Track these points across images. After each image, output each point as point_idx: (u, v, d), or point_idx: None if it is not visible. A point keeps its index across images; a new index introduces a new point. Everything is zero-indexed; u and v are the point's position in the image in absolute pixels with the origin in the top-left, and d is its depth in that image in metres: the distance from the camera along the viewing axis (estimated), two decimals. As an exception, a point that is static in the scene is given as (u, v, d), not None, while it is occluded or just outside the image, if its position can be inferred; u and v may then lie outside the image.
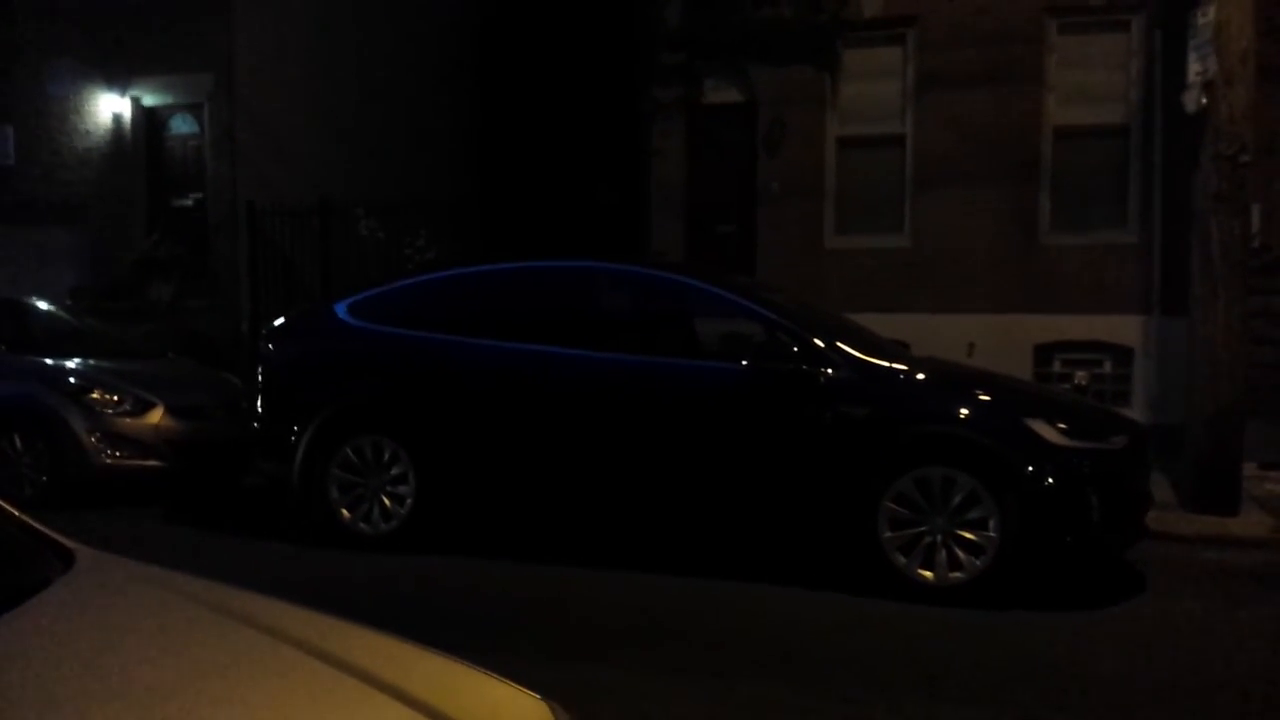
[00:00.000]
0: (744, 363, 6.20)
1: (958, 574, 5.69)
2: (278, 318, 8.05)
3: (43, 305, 10.01)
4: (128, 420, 8.20)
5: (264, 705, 1.90)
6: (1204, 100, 7.58)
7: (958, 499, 5.69)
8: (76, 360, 8.64)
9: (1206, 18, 7.53)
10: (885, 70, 11.84)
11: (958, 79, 11.34)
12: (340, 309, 7.24)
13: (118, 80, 13.52)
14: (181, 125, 13.76)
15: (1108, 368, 11.21)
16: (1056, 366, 11.28)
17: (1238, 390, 7.64)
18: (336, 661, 2.05)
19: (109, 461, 8.10)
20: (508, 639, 4.95)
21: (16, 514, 2.50)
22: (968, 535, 5.68)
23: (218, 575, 2.51)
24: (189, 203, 13.68)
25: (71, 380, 8.31)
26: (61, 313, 10.30)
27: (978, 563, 5.66)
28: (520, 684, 2.25)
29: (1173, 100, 8.62)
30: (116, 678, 1.91)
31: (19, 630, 2.01)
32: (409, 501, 6.74)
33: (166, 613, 2.25)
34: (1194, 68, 7.70)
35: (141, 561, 2.54)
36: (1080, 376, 10.97)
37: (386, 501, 6.80)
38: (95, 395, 8.20)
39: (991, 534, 5.63)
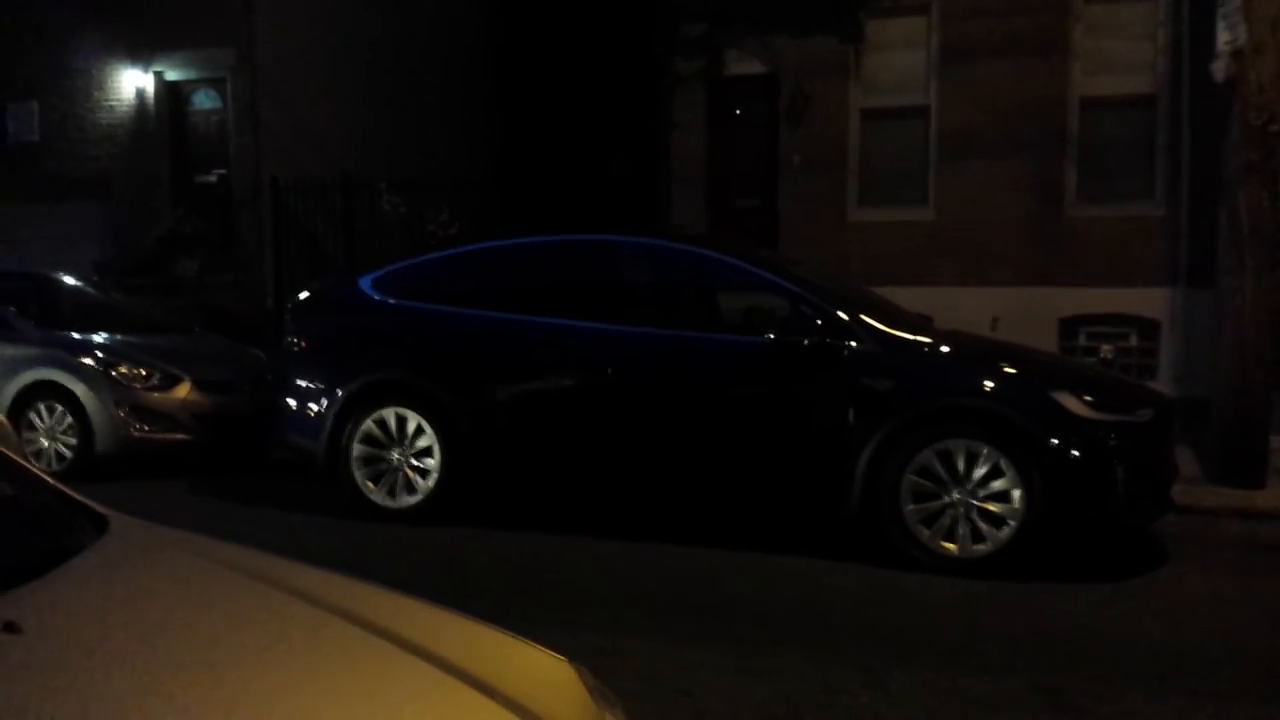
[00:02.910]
0: (769, 336, 6.19)
1: (981, 546, 5.69)
2: (302, 292, 8.09)
3: (69, 280, 10.10)
4: (155, 394, 8.29)
5: (295, 664, 1.93)
6: (1233, 70, 7.49)
7: (981, 471, 5.68)
8: (104, 335, 8.73)
9: (1236, -15, 7.43)
10: (909, 40, 11.75)
11: (982, 49, 11.23)
12: (365, 283, 7.27)
13: (141, 55, 13.56)
14: (204, 100, 13.79)
15: (1134, 341, 11.13)
16: (1082, 340, 11.22)
17: (1265, 363, 7.58)
18: (366, 623, 2.09)
19: (136, 435, 8.20)
20: (531, 607, 4.98)
21: (51, 481, 2.54)
22: (991, 508, 5.67)
23: (246, 545, 2.54)
24: (213, 178, 13.74)
25: (99, 355, 8.39)
26: (88, 288, 10.39)
27: (1001, 535, 5.65)
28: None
29: (1201, 70, 8.52)
30: (152, 636, 1.95)
31: (58, 592, 2.05)
32: (434, 474, 6.79)
33: (199, 575, 2.28)
34: (1223, 37, 7.60)
35: (173, 527, 2.58)
36: (1106, 349, 10.92)
37: (412, 475, 6.85)
38: (123, 369, 8.29)
39: (1015, 506, 5.62)
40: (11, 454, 2.68)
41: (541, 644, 2.31)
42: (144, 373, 8.31)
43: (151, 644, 1.92)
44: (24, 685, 1.71)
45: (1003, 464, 5.64)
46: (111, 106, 13.81)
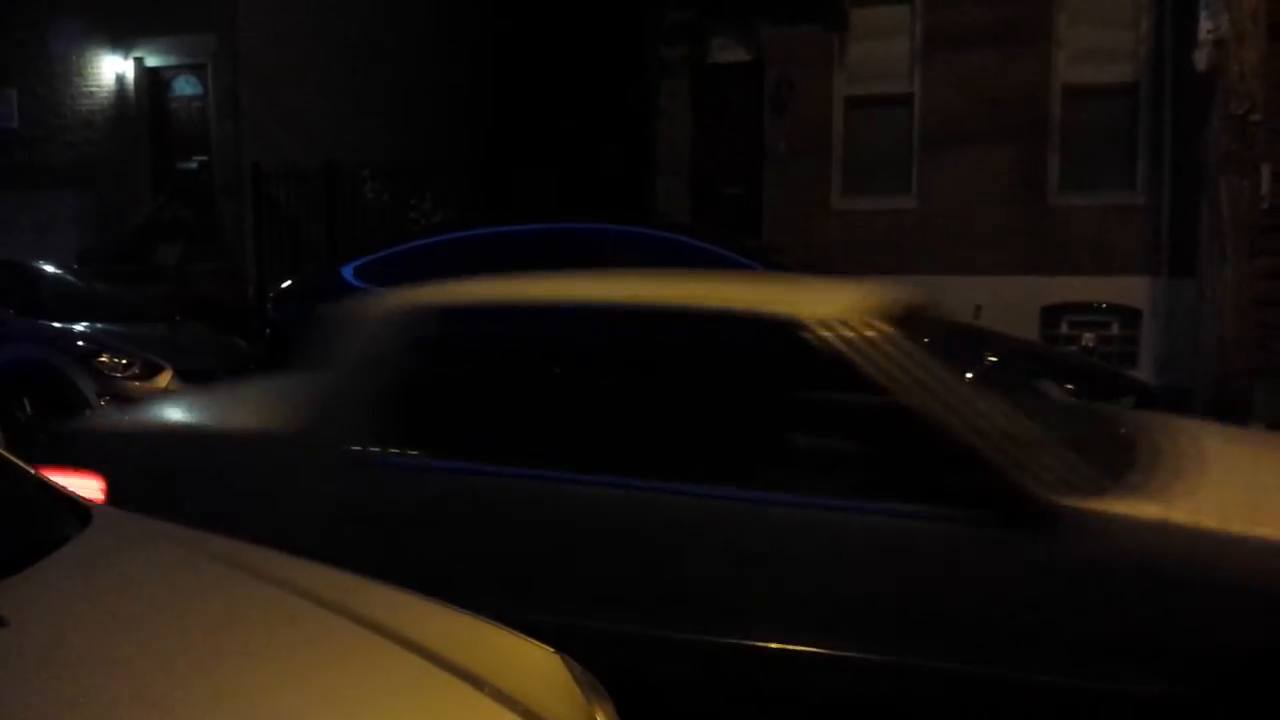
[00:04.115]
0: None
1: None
2: (285, 281, 8.06)
3: (50, 269, 10.01)
4: (136, 384, 8.22)
5: (281, 655, 1.93)
6: (1215, 59, 7.52)
7: (964, 460, 5.69)
8: (85, 324, 8.66)
9: (1218, -26, 7.46)
10: (893, 28, 11.74)
11: (966, 37, 11.24)
12: (347, 272, 7.25)
13: (121, 41, 13.45)
14: (185, 86, 13.69)
15: (1116, 329, 11.19)
16: (1064, 328, 11.26)
17: (1246, 351, 7.64)
18: (351, 614, 2.08)
19: (119, 424, 8.14)
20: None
21: (34, 473, 2.53)
22: (974, 496, 5.69)
23: (227, 535, 2.53)
24: (194, 165, 13.65)
25: (80, 344, 8.32)
26: (69, 276, 10.30)
27: (984, 523, 5.66)
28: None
29: (1183, 59, 8.55)
30: (134, 630, 1.94)
31: (41, 584, 2.04)
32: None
33: (183, 567, 2.27)
34: (1205, 25, 7.63)
35: (156, 519, 2.57)
36: (1088, 338, 10.97)
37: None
38: (104, 359, 8.22)
39: (998, 494, 5.63)
40: (-7, 445, 2.66)
41: (528, 634, 2.31)
42: (125, 362, 8.25)
43: (137, 636, 1.92)
44: (10, 677, 1.70)
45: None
46: (91, 93, 13.70)
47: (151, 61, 13.57)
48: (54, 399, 8.10)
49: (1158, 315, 10.89)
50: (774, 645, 3.17)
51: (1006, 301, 10.80)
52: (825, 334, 3.27)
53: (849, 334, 3.24)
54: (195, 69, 13.50)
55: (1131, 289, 11.01)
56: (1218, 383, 7.63)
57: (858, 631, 3.10)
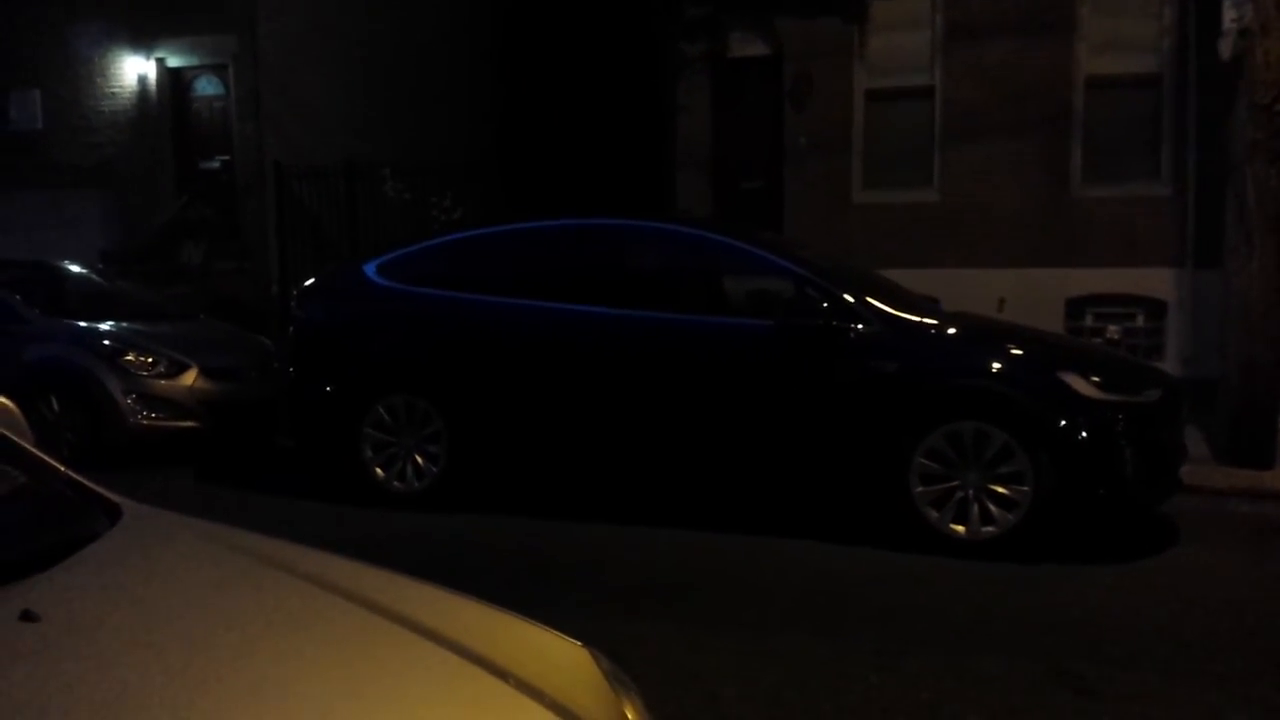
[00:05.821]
0: (774, 319, 6.18)
1: (990, 528, 5.69)
2: (308, 279, 8.09)
3: (75, 269, 10.09)
4: (162, 382, 8.29)
5: (312, 649, 1.94)
6: (1239, 48, 7.44)
7: (990, 453, 5.67)
8: (110, 323, 8.73)
9: (1243, -38, 7.38)
10: (914, 20, 11.69)
11: (988, 29, 11.18)
12: (370, 269, 7.26)
13: (143, 41, 13.53)
14: (207, 86, 13.76)
15: (1141, 321, 11.11)
16: (1089, 321, 11.19)
17: (1272, 342, 7.56)
18: (382, 609, 2.09)
19: (144, 423, 8.20)
20: (542, 592, 4.99)
21: (64, 470, 2.54)
22: (1000, 489, 5.67)
23: (257, 532, 2.54)
24: (216, 165, 13.73)
25: (106, 343, 8.39)
26: (94, 276, 10.38)
27: (1010, 517, 5.65)
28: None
29: (1207, 48, 8.48)
30: (164, 625, 1.95)
31: (74, 580, 2.06)
32: (442, 460, 6.79)
33: (212, 563, 2.28)
34: (1229, 15, 7.56)
35: (186, 515, 2.58)
36: (1113, 330, 10.89)
37: (419, 460, 6.85)
38: (130, 357, 8.29)
39: (1024, 488, 5.61)
40: (23, 443, 2.68)
41: (556, 629, 2.32)
42: (151, 360, 8.31)
43: (167, 631, 1.93)
44: (43, 673, 1.71)
45: (1012, 445, 5.63)
46: (114, 94, 13.79)
47: (173, 62, 13.65)
48: (81, 397, 8.18)
49: (1183, 307, 10.81)
50: None
51: (1030, 294, 10.75)
52: None
53: None
54: (217, 69, 13.58)
55: (1157, 280, 10.93)
56: (1244, 374, 7.56)
57: None
